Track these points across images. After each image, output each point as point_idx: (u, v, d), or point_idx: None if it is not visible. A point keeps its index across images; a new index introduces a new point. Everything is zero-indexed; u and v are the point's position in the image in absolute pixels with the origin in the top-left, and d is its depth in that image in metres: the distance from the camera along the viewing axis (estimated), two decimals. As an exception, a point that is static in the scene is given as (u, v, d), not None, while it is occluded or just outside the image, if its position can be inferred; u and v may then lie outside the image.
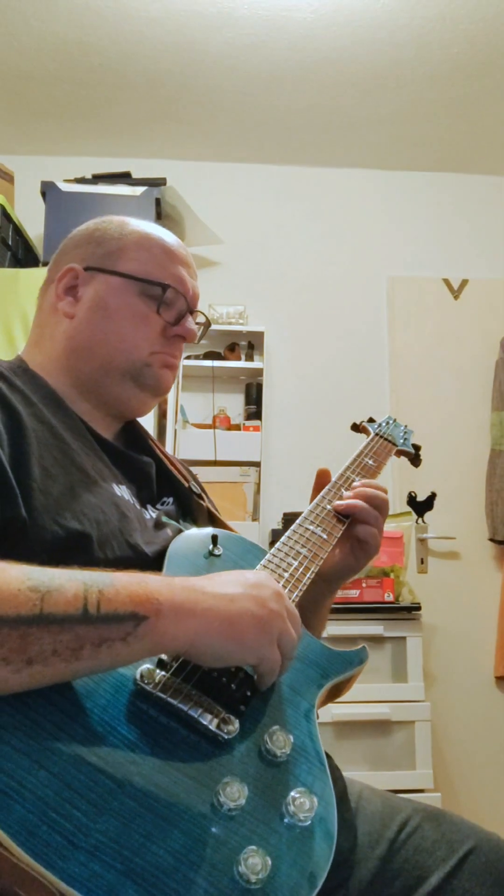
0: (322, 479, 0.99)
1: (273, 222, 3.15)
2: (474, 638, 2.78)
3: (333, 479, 0.99)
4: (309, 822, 0.60)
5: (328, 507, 0.93)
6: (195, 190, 2.93)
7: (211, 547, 0.84)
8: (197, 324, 0.99)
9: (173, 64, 2.60)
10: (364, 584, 2.29)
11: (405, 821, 0.83)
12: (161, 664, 0.65)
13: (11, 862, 0.50)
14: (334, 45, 2.51)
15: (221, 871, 0.54)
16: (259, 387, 2.94)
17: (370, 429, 1.15)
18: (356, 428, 1.18)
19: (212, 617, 0.62)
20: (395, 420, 1.18)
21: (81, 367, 0.91)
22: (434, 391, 3.00)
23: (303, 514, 0.92)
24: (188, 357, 2.86)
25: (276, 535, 2.58)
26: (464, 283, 3.11)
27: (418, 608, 2.31)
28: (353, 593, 2.28)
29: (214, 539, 0.84)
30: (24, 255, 2.69)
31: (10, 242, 2.56)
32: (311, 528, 0.90)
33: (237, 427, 2.92)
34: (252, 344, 3.00)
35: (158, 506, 0.95)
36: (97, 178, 2.77)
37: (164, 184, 2.75)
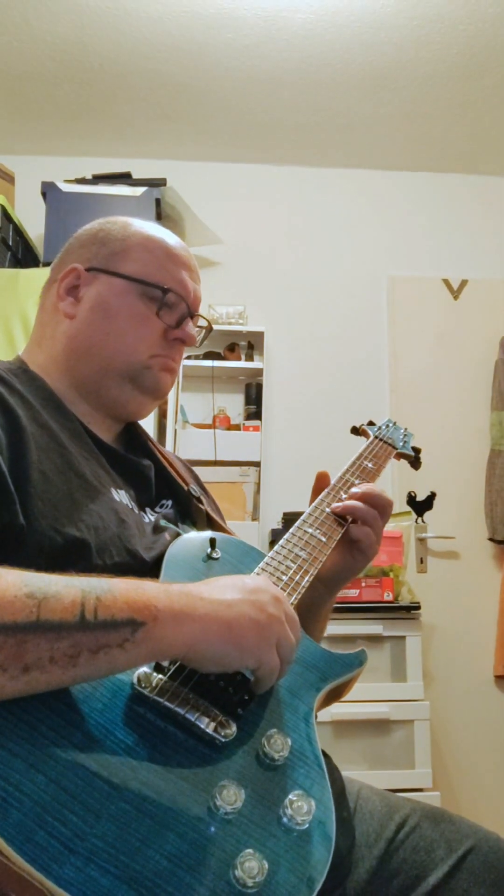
0: (321, 482, 0.99)
1: (273, 222, 3.15)
2: (474, 637, 2.79)
3: (333, 482, 0.99)
4: (307, 825, 0.60)
5: (327, 509, 0.93)
6: (195, 190, 2.93)
7: (209, 550, 0.84)
8: (198, 327, 0.99)
9: (173, 64, 2.60)
10: (363, 584, 2.29)
11: (404, 820, 0.83)
12: (158, 668, 0.65)
13: (7, 866, 0.50)
14: (334, 45, 2.51)
15: (218, 875, 0.54)
16: (259, 387, 2.94)
17: (370, 431, 1.14)
18: (356, 431, 1.18)
19: (210, 622, 0.62)
20: (394, 423, 1.18)
21: (81, 368, 0.91)
22: (434, 391, 3.00)
23: (301, 517, 0.92)
24: (188, 357, 2.86)
25: (276, 535, 2.58)
26: (464, 283, 3.11)
27: (418, 608, 2.31)
28: (353, 593, 2.28)
29: (213, 542, 0.84)
30: (24, 256, 2.69)
31: (10, 243, 2.56)
32: (310, 530, 0.90)
33: (237, 427, 2.92)
34: (252, 344, 3.00)
35: (157, 509, 0.95)
36: (97, 179, 2.77)
37: (165, 184, 2.75)
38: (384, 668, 2.24)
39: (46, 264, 2.51)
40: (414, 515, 2.71)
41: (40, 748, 0.55)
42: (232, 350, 2.97)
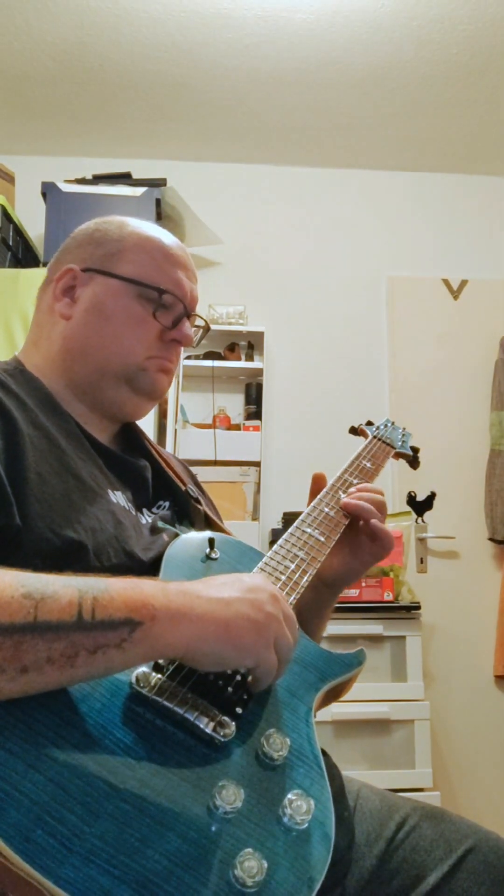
0: (318, 483, 0.99)
1: (273, 222, 3.15)
2: (473, 637, 2.79)
3: (331, 482, 0.99)
4: (306, 825, 0.60)
5: (325, 510, 0.93)
6: (195, 190, 2.93)
7: (208, 550, 0.84)
8: (195, 327, 0.98)
9: (173, 64, 2.60)
10: (363, 584, 2.29)
11: (404, 819, 0.83)
12: (157, 667, 0.65)
13: (5, 866, 0.50)
14: (334, 45, 2.51)
15: (217, 875, 0.54)
16: (259, 387, 2.94)
17: (368, 431, 1.15)
18: (354, 431, 1.18)
19: (207, 621, 0.62)
20: (393, 423, 1.18)
21: (77, 369, 0.91)
22: (434, 391, 3.00)
23: (300, 518, 0.92)
24: (188, 357, 2.87)
25: (276, 535, 2.58)
26: (463, 283, 3.11)
27: (418, 607, 2.31)
28: (353, 593, 2.28)
29: (211, 542, 0.84)
30: (24, 256, 2.69)
31: (10, 243, 2.56)
32: (309, 531, 0.90)
33: (237, 427, 2.92)
34: (252, 344, 3.00)
35: (154, 510, 0.94)
36: (97, 179, 2.77)
37: (165, 184, 2.75)
38: (384, 668, 2.24)
39: (46, 264, 2.51)
40: (414, 515, 2.71)
41: (39, 748, 0.55)
42: (232, 350, 2.97)
